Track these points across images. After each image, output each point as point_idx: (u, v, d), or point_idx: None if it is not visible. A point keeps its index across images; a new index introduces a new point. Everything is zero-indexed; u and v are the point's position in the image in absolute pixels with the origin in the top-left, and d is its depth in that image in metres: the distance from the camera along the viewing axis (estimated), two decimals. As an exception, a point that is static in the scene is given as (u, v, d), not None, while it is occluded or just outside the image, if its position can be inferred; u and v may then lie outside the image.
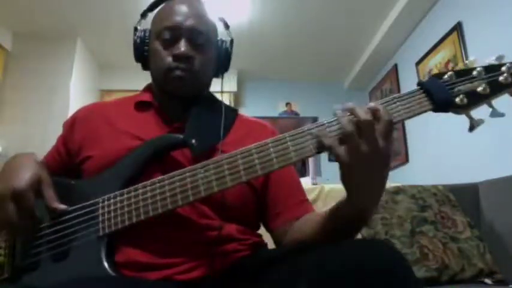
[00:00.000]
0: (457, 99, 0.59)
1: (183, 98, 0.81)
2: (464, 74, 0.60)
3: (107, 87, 3.88)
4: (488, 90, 0.59)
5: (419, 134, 2.93)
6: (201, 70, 0.80)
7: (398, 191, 1.53)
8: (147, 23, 0.87)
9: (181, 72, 0.77)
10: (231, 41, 0.88)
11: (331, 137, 0.55)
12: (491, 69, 0.60)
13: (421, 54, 2.90)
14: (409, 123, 3.04)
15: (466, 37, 2.37)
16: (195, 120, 0.78)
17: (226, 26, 0.90)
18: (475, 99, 0.59)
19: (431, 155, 2.79)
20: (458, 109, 0.59)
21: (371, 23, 3.22)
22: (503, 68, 0.60)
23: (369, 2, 2.94)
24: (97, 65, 3.84)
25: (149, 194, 0.64)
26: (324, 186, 1.70)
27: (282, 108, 4.18)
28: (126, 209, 0.64)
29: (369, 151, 0.52)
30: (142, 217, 0.63)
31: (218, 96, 0.90)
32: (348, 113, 0.55)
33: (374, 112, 0.54)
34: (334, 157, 0.55)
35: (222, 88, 0.86)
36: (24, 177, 0.64)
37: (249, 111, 3.62)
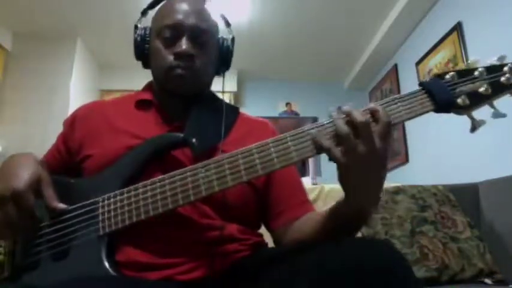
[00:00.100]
0: (459, 100, 0.58)
1: (184, 96, 0.80)
2: (466, 74, 0.60)
3: (107, 87, 3.88)
4: (490, 90, 0.58)
5: (419, 134, 2.93)
6: (202, 68, 0.79)
7: (398, 191, 1.53)
8: (147, 21, 0.87)
9: (183, 71, 0.77)
10: (232, 39, 0.87)
11: (329, 138, 0.55)
12: (493, 70, 0.60)
13: (421, 54, 2.90)
14: (409, 123, 3.04)
15: (466, 37, 2.37)
16: (196, 119, 0.77)
17: (228, 24, 0.89)
18: (476, 99, 0.59)
19: (431, 155, 2.79)
20: (460, 110, 0.59)
21: (371, 23, 3.22)
22: (505, 69, 0.59)
23: (369, 2, 2.94)
24: (97, 65, 3.84)
25: (149, 194, 0.63)
26: (324, 186, 1.70)
27: (282, 108, 4.18)
28: (126, 208, 0.64)
29: (366, 152, 0.52)
30: (142, 216, 0.63)
31: (219, 95, 0.90)
32: (344, 115, 0.55)
33: (373, 113, 0.54)
34: (332, 158, 0.55)
35: (224, 87, 0.86)
36: (23, 176, 0.64)
37: (249, 111, 3.59)
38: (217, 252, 0.68)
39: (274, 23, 3.21)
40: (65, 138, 0.83)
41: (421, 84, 0.60)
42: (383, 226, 1.41)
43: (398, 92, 3.37)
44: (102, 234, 0.64)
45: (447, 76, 0.60)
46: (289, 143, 0.58)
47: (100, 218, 0.65)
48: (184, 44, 0.76)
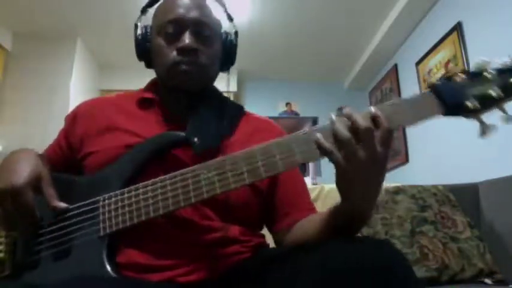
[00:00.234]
0: (469, 103, 0.56)
1: (188, 93, 0.78)
2: (477, 76, 0.57)
3: (107, 87, 3.88)
4: (501, 94, 0.55)
5: (419, 134, 2.93)
6: (207, 63, 0.77)
7: (398, 191, 1.53)
8: (147, 20, 0.85)
9: (187, 66, 0.74)
10: (236, 33, 0.85)
11: (331, 141, 0.54)
12: (505, 72, 0.56)
13: (421, 54, 2.90)
14: (409, 123, 3.03)
15: (466, 37, 2.37)
16: (199, 117, 0.76)
17: (230, 18, 0.88)
18: (487, 103, 0.55)
19: (431, 155, 2.79)
20: (469, 113, 0.56)
21: (371, 23, 3.22)
22: None
23: (369, 2, 2.94)
24: (97, 65, 3.84)
25: (150, 194, 0.62)
26: (324, 186, 1.70)
27: (282, 108, 4.17)
28: (127, 208, 0.63)
29: (366, 157, 0.51)
30: (143, 218, 0.62)
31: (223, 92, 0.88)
32: (345, 118, 0.53)
33: (374, 118, 0.53)
34: (332, 161, 0.54)
35: (228, 85, 0.84)
36: (22, 174, 0.63)
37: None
38: (218, 254, 0.68)
39: (274, 23, 3.21)
40: (66, 134, 0.82)
41: (430, 85, 0.58)
42: (383, 226, 1.41)
43: (399, 91, 3.37)
44: (102, 235, 0.64)
45: (457, 78, 0.57)
46: (293, 145, 0.56)
47: (100, 218, 0.65)
48: (187, 39, 0.74)
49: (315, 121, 4.43)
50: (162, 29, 0.77)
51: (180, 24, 0.76)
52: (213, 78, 0.83)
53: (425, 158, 2.88)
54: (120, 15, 2.98)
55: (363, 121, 0.52)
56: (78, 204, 0.67)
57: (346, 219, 0.59)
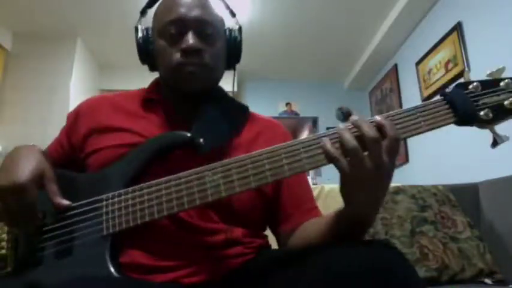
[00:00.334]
0: (482, 114, 0.55)
1: (193, 94, 0.76)
2: (491, 85, 0.56)
3: (107, 87, 3.88)
4: None
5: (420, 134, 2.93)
6: (212, 63, 0.75)
7: (398, 191, 1.54)
8: (147, 22, 0.83)
9: (192, 68, 0.72)
10: (240, 29, 0.83)
11: (338, 147, 0.53)
12: None
13: (421, 54, 2.90)
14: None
15: (466, 37, 2.37)
16: (204, 118, 0.74)
17: (233, 14, 0.86)
18: (501, 113, 0.54)
19: (431, 155, 2.79)
20: (482, 124, 0.55)
21: (371, 23, 3.22)
22: None
23: (369, 2, 2.94)
24: (97, 65, 3.84)
25: (154, 195, 0.62)
26: (324, 186, 1.70)
27: (282, 108, 4.18)
28: (130, 209, 0.63)
29: (372, 166, 0.51)
30: (147, 218, 0.61)
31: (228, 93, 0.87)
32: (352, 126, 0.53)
33: (380, 128, 0.52)
34: (337, 168, 0.53)
35: (234, 84, 0.82)
36: (25, 170, 0.62)
37: (249, 111, 3.61)
38: (222, 255, 0.67)
39: (274, 23, 3.21)
40: (68, 132, 0.81)
41: (442, 94, 0.57)
42: (383, 226, 1.41)
43: (399, 91, 3.37)
44: (105, 235, 0.63)
45: (470, 86, 0.56)
46: (301, 151, 0.56)
47: (104, 217, 0.64)
48: (190, 39, 0.72)
49: (314, 121, 4.44)
50: (164, 30, 0.75)
51: (181, 24, 0.73)
52: (219, 78, 0.82)
53: (425, 158, 2.88)
54: (120, 15, 2.98)
55: (370, 131, 0.51)
56: (81, 203, 0.66)
57: (350, 223, 0.59)
